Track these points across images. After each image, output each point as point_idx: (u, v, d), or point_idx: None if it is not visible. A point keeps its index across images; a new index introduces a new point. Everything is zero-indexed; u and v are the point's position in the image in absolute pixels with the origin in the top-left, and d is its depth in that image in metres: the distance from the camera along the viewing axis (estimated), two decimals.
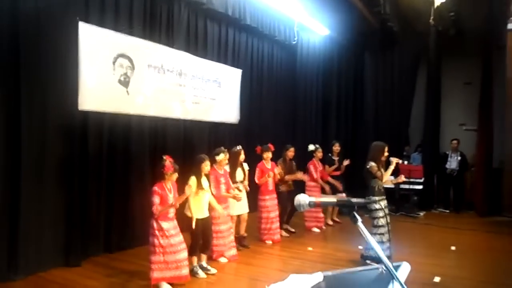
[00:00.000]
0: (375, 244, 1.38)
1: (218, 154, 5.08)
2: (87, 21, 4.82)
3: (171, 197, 4.20)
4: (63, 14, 4.60)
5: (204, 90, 6.83)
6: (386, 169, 5.10)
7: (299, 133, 9.73)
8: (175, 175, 4.22)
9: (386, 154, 5.10)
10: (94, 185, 5.15)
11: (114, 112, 5.24)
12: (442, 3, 8.02)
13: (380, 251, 1.35)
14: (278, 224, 6.22)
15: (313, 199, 1.40)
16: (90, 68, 4.86)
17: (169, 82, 6.08)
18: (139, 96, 5.57)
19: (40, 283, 4.27)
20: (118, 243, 5.44)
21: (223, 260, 5.15)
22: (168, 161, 4.14)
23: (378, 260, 4.53)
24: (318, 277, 1.74)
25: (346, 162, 7.26)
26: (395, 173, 8.52)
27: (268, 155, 6.10)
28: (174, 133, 6.37)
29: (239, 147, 5.66)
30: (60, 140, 4.69)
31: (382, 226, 4.91)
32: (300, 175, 6.55)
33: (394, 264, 1.65)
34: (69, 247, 4.80)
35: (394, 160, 5.11)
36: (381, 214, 4.94)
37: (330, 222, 7.40)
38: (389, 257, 4.87)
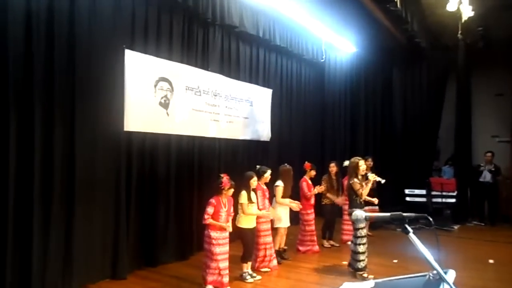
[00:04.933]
0: (427, 252, 1.54)
1: (265, 172, 5.49)
2: (132, 48, 5.18)
3: (224, 211, 4.65)
4: (111, 42, 4.97)
5: (237, 110, 7.11)
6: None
7: (328, 150, 9.87)
8: (231, 190, 4.71)
9: (362, 168, 5.43)
10: (138, 200, 5.42)
11: (155, 132, 5.56)
12: (469, 17, 8.08)
13: (431, 258, 1.51)
14: (315, 236, 6.55)
15: (368, 214, 1.59)
16: (134, 92, 5.20)
17: (204, 103, 6.38)
18: (178, 117, 5.87)
19: None
20: (160, 257, 5.66)
21: (266, 270, 5.43)
22: (225, 177, 4.65)
23: (362, 270, 4.50)
24: (370, 284, 1.90)
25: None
26: (428, 187, 8.62)
27: (313, 172, 6.57)
28: (210, 151, 6.64)
29: (288, 165, 6.05)
30: (108, 159, 4.99)
31: (364, 236, 5.25)
32: (338, 200, 6.88)
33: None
34: (116, 260, 5.06)
35: (371, 178, 5.47)
36: (362, 225, 5.22)
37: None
38: (365, 268, 5.21)
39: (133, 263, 5.33)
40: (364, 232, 5.27)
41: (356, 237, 5.26)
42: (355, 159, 5.59)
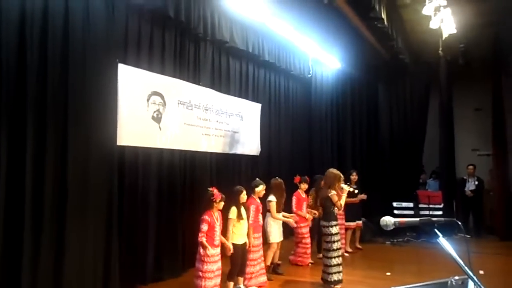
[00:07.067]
0: (458, 259, 1.55)
1: (257, 186, 5.42)
2: (125, 62, 5.14)
3: (218, 225, 4.53)
4: (105, 56, 4.91)
5: (227, 124, 7.11)
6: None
7: (316, 163, 9.91)
8: (222, 203, 4.58)
9: (341, 181, 5.50)
10: (130, 216, 5.31)
11: (148, 146, 5.49)
12: (450, 35, 8.38)
13: (462, 263, 1.52)
14: (310, 250, 6.58)
15: (397, 219, 1.59)
16: (127, 106, 5.13)
17: (196, 117, 6.36)
18: (170, 131, 5.82)
19: None
20: (152, 274, 5.53)
21: (253, 287, 5.30)
22: (215, 190, 4.53)
23: (336, 284, 4.88)
24: None
25: (362, 196, 7.52)
26: (415, 200, 8.76)
27: (305, 185, 6.54)
28: (202, 166, 6.58)
29: (279, 179, 5.99)
30: (100, 174, 4.84)
31: (338, 249, 5.30)
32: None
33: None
34: (107, 278, 4.89)
35: (346, 188, 5.53)
36: (336, 238, 5.30)
37: (350, 250, 7.48)
38: (340, 281, 5.24)
39: (124, 281, 5.15)
40: (336, 245, 5.27)
41: (327, 250, 5.29)
42: (335, 170, 5.59)
